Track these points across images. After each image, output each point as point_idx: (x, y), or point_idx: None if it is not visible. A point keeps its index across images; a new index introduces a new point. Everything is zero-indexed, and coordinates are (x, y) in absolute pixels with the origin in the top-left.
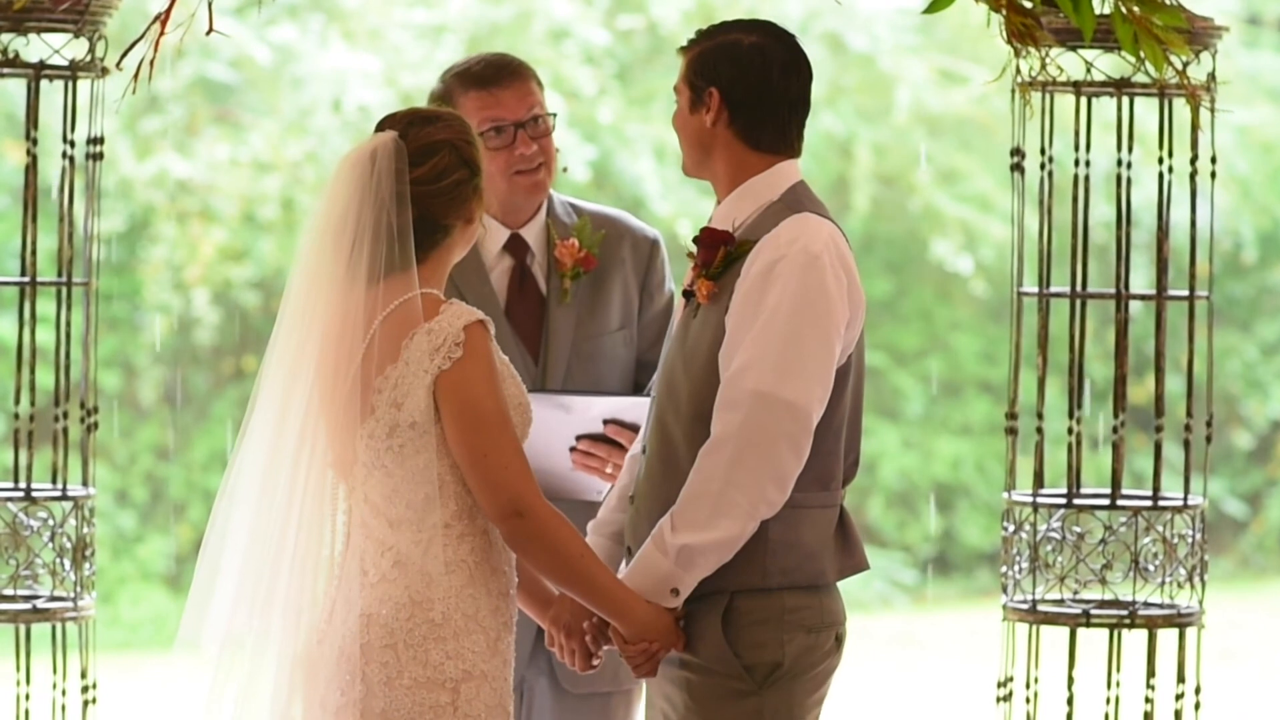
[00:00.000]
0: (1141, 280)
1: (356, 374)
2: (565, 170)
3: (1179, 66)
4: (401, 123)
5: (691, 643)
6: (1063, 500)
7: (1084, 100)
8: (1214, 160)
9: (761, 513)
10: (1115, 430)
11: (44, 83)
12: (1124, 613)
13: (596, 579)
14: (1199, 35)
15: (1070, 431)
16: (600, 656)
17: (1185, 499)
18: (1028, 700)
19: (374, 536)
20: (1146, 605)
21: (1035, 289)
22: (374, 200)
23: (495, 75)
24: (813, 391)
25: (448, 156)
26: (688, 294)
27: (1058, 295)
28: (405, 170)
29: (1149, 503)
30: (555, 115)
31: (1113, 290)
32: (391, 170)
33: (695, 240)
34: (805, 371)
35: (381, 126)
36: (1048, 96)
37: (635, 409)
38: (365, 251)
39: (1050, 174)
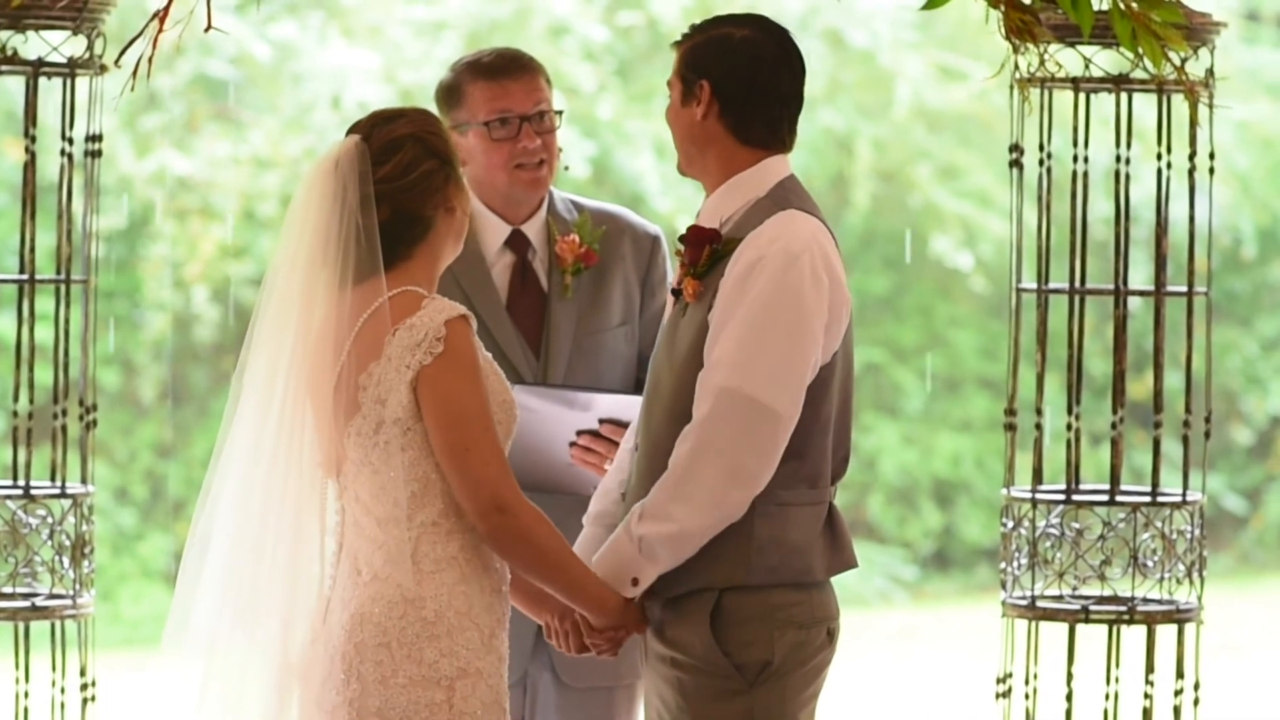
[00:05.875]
0: (1140, 276)
1: (342, 373)
2: (567, 169)
3: (1177, 62)
4: (366, 125)
5: (681, 642)
6: (1062, 496)
7: (1083, 96)
8: (1213, 156)
9: (723, 509)
10: (1114, 426)
11: (43, 80)
12: (1123, 609)
13: (574, 575)
14: (1197, 31)
15: (1069, 427)
16: (593, 640)
17: (1184, 495)
18: (1027, 696)
19: (366, 535)
20: (1145, 601)
21: (1034, 285)
22: (342, 206)
23: (505, 67)
24: (781, 391)
25: (411, 150)
26: (675, 292)
27: (1057, 291)
28: (369, 172)
29: (1148, 499)
30: (562, 113)
31: (1111, 286)
32: (355, 174)
33: (682, 239)
34: (773, 371)
35: (350, 133)
36: (1046, 92)
37: (635, 407)
38: (341, 257)
39: (1049, 170)
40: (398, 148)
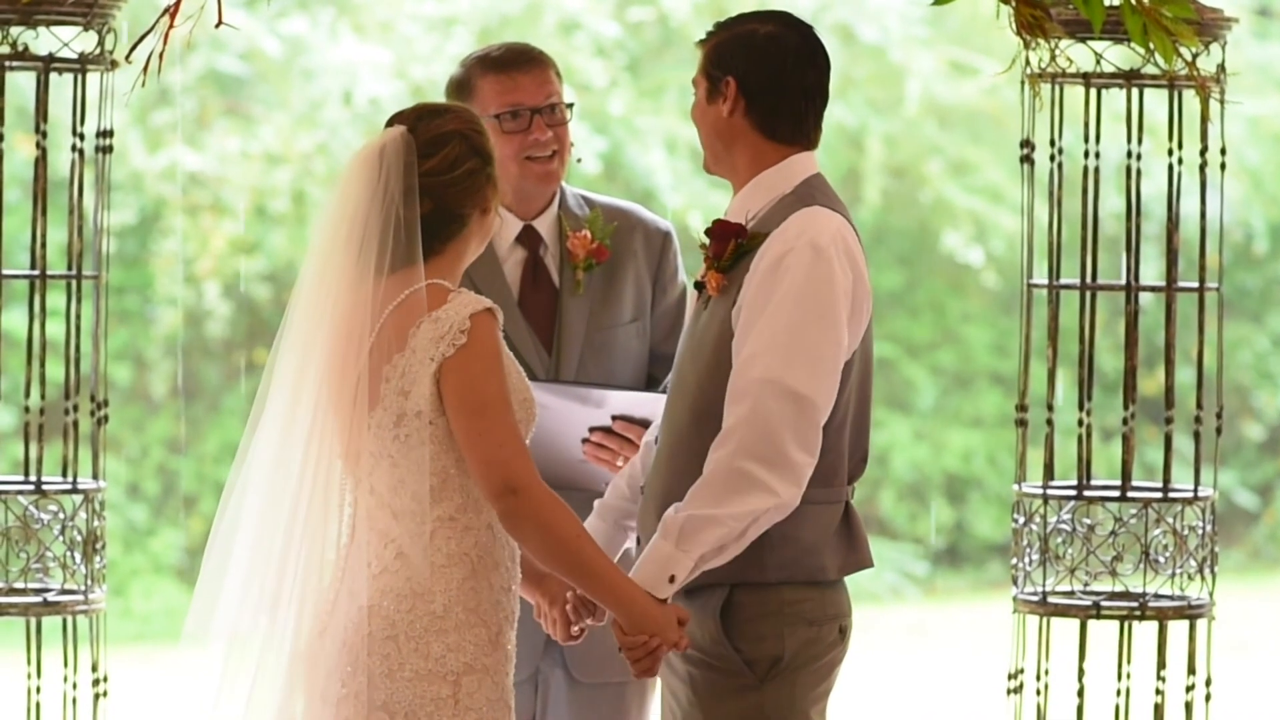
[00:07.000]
0: (1152, 272)
1: (365, 365)
2: (580, 161)
3: (1188, 58)
4: (410, 117)
5: (692, 637)
6: (1073, 492)
7: (1094, 92)
8: (1224, 151)
9: (768, 500)
10: (1125, 422)
11: (54, 76)
12: (1134, 605)
13: (591, 562)
14: (1208, 26)
15: (1080, 423)
16: (581, 627)
17: (1196, 491)
18: (1038, 692)
19: (378, 529)
20: (1157, 597)
21: (1046, 281)
22: (384, 196)
23: (515, 60)
24: (820, 383)
25: (458, 146)
26: (699, 285)
27: (1068, 287)
28: (414, 164)
29: (1159, 494)
30: (573, 106)
31: (1123, 282)
32: (400, 165)
33: (707, 232)
34: (811, 362)
35: (391, 123)
36: (1057, 88)
37: (649, 404)
38: (376, 246)
39: (1060, 166)
40: (444, 142)
